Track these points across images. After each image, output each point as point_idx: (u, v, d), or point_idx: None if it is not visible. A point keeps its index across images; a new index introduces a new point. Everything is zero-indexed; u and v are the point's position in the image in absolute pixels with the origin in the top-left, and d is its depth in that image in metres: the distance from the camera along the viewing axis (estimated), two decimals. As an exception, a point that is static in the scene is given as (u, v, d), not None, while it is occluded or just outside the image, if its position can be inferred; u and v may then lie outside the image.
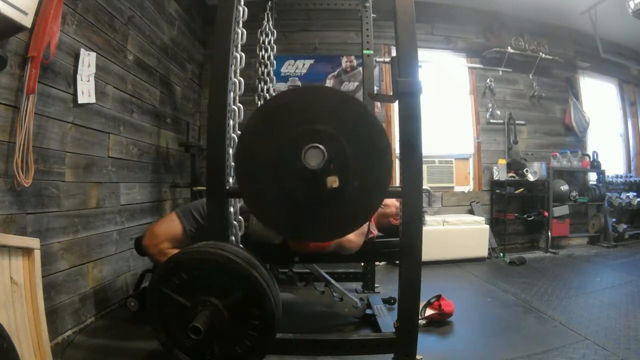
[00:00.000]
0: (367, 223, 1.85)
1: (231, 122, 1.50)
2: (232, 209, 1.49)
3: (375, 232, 1.96)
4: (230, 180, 1.46)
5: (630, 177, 5.14)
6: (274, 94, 2.70)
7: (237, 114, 1.54)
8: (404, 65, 1.39)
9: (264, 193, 1.27)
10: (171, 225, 1.92)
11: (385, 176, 1.26)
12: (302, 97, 1.33)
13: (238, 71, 1.55)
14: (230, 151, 1.48)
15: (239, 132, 1.43)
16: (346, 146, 1.21)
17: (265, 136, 1.25)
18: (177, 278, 1.15)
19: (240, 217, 1.52)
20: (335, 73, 4.39)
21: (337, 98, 1.32)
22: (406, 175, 1.36)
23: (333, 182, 1.19)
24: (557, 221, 4.46)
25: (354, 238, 1.78)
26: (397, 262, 1.61)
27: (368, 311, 2.28)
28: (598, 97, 5.22)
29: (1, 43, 1.58)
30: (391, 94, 1.45)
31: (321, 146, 1.16)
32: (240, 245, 1.47)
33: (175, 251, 1.64)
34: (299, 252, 1.81)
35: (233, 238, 1.48)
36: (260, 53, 2.63)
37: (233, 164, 1.45)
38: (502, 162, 4.51)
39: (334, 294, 2.25)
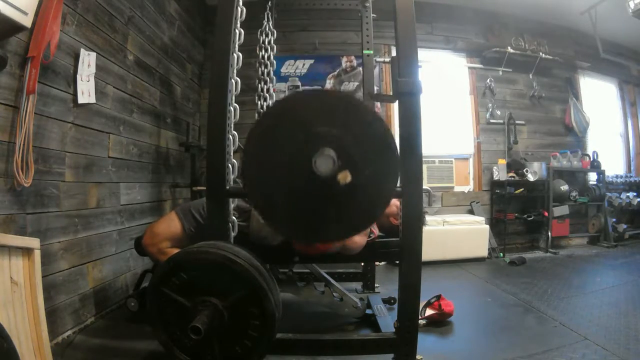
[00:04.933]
0: None
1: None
2: None
3: (376, 232, 1.96)
4: (231, 180, 1.46)
5: (630, 177, 5.13)
6: (274, 94, 2.69)
7: (232, 114, 1.53)
8: (404, 65, 1.40)
9: (273, 196, 1.22)
10: (171, 224, 1.92)
11: (393, 171, 1.21)
12: (306, 101, 1.27)
13: (235, 71, 1.55)
14: (231, 151, 1.47)
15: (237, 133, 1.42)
16: (353, 144, 1.15)
17: (273, 139, 1.20)
18: (177, 278, 1.15)
19: (234, 217, 1.51)
20: (335, 73, 4.38)
21: (339, 100, 1.26)
22: (406, 175, 1.36)
23: (345, 177, 1.13)
24: (557, 221, 4.46)
25: (358, 238, 1.78)
26: (397, 262, 1.61)
27: (368, 311, 2.28)
28: (598, 97, 5.21)
29: (1, 43, 1.58)
30: (391, 94, 1.45)
31: (331, 152, 1.11)
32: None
33: (175, 250, 1.65)
34: (305, 254, 1.80)
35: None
36: (260, 53, 2.63)
37: (238, 163, 1.41)
38: (502, 162, 4.50)
39: (334, 294, 2.25)
